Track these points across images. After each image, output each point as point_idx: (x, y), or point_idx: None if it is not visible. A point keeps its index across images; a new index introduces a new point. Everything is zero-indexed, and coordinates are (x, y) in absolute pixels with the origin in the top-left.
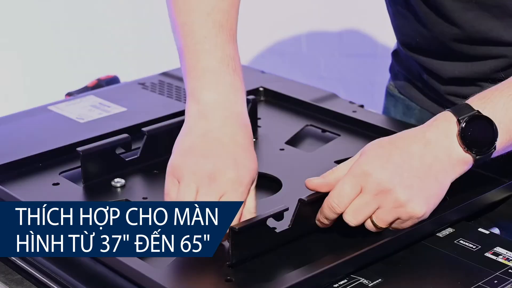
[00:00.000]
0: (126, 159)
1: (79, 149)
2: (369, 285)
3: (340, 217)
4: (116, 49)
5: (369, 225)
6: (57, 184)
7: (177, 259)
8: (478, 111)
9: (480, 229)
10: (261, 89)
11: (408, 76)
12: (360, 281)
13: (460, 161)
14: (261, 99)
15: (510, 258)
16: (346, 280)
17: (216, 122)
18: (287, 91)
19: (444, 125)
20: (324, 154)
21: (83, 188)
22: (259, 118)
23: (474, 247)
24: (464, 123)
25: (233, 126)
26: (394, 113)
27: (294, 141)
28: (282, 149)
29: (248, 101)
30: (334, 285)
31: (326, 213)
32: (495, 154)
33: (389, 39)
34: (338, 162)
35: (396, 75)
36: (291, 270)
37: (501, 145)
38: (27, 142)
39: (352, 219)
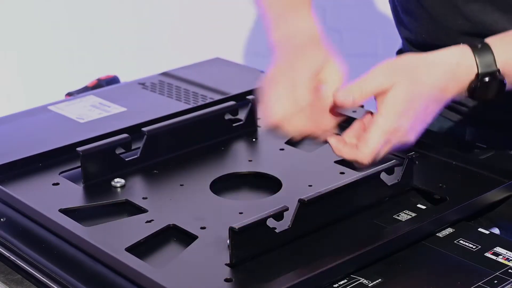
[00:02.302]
0: (126, 159)
1: (79, 149)
2: (369, 285)
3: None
4: (116, 49)
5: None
6: (57, 184)
7: (177, 259)
8: (498, 69)
9: (480, 229)
10: None
11: None
12: (360, 281)
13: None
14: None
15: (510, 258)
16: (346, 280)
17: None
18: None
19: (464, 77)
20: (324, 154)
21: (83, 188)
22: (259, 118)
23: (474, 247)
24: (479, 82)
25: (316, 42)
26: None
27: (294, 141)
28: (282, 149)
29: (248, 101)
30: (334, 285)
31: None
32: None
33: (390, 39)
34: (338, 162)
35: None
36: (291, 270)
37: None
38: (27, 142)
39: (369, 160)
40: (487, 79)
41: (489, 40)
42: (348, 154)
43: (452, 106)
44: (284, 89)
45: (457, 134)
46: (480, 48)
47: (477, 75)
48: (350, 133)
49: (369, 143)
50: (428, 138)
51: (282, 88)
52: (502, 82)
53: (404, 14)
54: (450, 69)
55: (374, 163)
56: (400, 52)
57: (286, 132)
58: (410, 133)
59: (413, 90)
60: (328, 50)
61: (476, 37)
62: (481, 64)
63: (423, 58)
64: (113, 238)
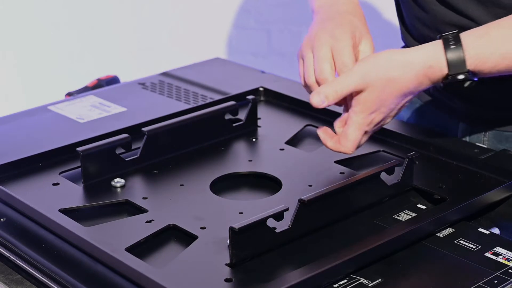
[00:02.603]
0: (126, 159)
1: (79, 149)
2: (369, 285)
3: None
4: (116, 49)
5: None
6: (57, 184)
7: (177, 259)
8: (468, 71)
9: (480, 229)
10: (261, 89)
11: None
12: (360, 281)
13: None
14: (261, 99)
15: (510, 258)
16: (346, 280)
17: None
18: (287, 91)
19: (437, 77)
20: (324, 154)
21: (83, 188)
22: (259, 118)
23: (474, 247)
24: (450, 79)
25: (354, 12)
26: None
27: (294, 141)
28: (282, 149)
29: (248, 101)
30: (334, 285)
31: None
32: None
33: (390, 39)
34: (338, 162)
35: None
36: (291, 270)
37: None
38: (27, 142)
39: (353, 150)
40: (458, 77)
41: (462, 36)
42: (333, 147)
43: (445, 102)
44: (329, 52)
45: (449, 130)
46: (452, 47)
47: (447, 75)
48: (338, 123)
49: (348, 137)
50: (428, 137)
51: (327, 50)
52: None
53: (403, 7)
54: (423, 72)
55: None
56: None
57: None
58: (385, 121)
59: (385, 90)
60: (364, 22)
61: (463, 30)
62: (452, 65)
63: (398, 59)
64: (113, 238)
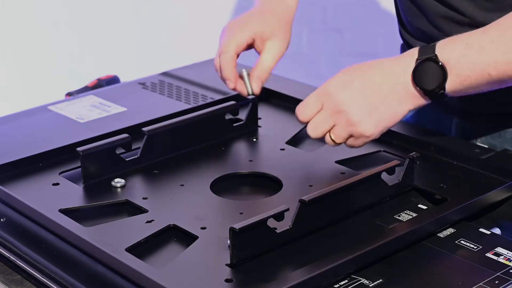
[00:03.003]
0: (126, 159)
1: (79, 149)
2: (370, 285)
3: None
4: (116, 48)
5: (328, 139)
6: (57, 184)
7: (177, 259)
8: (436, 54)
9: (481, 229)
10: None
11: None
12: (361, 281)
13: (415, 95)
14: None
15: (511, 259)
16: (346, 281)
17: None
18: (288, 91)
19: (407, 61)
20: (325, 154)
21: (83, 188)
22: (259, 118)
23: (475, 247)
24: (419, 63)
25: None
26: None
27: (294, 141)
28: (283, 149)
29: (248, 101)
30: (335, 286)
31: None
32: (450, 95)
33: (391, 38)
34: (339, 162)
35: None
36: (292, 271)
37: (451, 88)
38: (27, 142)
39: (312, 132)
40: (422, 58)
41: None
42: (296, 109)
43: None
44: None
45: (443, 125)
46: (421, 67)
47: (424, 91)
48: None
49: (303, 100)
50: (429, 137)
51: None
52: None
53: (400, 2)
54: (396, 57)
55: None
56: (402, 46)
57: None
58: (348, 106)
59: (355, 67)
60: (285, 24)
61: (453, 23)
62: (422, 49)
63: (376, 63)
64: (113, 238)
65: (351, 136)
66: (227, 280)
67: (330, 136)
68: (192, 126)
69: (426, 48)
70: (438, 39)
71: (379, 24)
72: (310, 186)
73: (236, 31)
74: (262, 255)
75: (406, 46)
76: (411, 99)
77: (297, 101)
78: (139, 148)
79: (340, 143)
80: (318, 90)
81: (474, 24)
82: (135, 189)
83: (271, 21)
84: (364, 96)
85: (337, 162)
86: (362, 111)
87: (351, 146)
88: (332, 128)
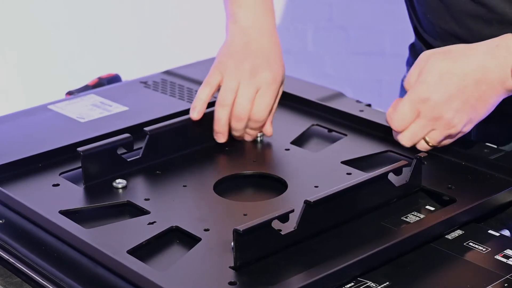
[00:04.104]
0: (128, 160)
1: (79, 149)
2: None
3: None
4: (117, 47)
5: (422, 145)
6: (57, 185)
7: (180, 262)
8: None
9: (490, 231)
10: None
11: None
12: (367, 284)
13: None
14: None
15: None
16: (353, 283)
17: (253, 35)
18: (293, 90)
19: (502, 54)
20: (331, 154)
21: (84, 189)
22: None
23: (483, 249)
24: None
25: (266, 38)
26: None
27: (299, 141)
28: (288, 149)
29: None
30: None
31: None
32: None
33: (398, 37)
34: (345, 162)
35: None
36: (297, 273)
37: None
38: (27, 142)
39: (408, 141)
40: None
41: None
42: (387, 117)
43: None
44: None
45: None
46: None
47: None
48: None
49: (397, 109)
50: None
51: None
52: None
53: None
54: (489, 50)
55: (412, 146)
56: (412, 46)
57: None
58: (446, 107)
59: (446, 65)
60: (275, 51)
61: (479, 19)
62: None
63: (461, 45)
64: (115, 240)
65: (448, 136)
66: (230, 283)
67: (425, 140)
68: (195, 125)
69: None
70: (463, 38)
71: (386, 21)
72: (316, 187)
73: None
74: (267, 257)
75: (420, 46)
76: (507, 92)
77: (303, 100)
78: (141, 148)
79: (435, 146)
80: (411, 96)
81: (504, 22)
82: (136, 190)
83: (269, 65)
84: (462, 97)
85: (343, 162)
86: (461, 113)
87: (444, 145)
88: (428, 132)
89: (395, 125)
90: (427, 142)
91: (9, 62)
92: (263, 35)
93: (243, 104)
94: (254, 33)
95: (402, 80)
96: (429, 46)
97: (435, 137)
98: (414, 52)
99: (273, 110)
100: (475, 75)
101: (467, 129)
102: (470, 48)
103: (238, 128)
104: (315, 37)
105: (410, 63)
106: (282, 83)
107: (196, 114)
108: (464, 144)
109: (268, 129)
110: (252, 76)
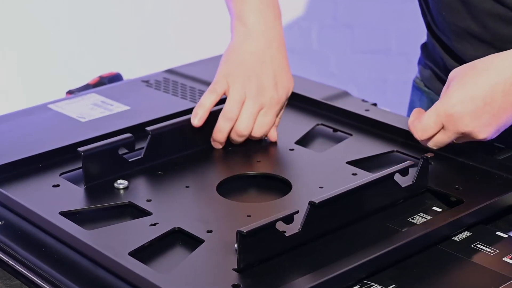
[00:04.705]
0: (130, 160)
1: (80, 149)
2: None
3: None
4: (119, 45)
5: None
6: (58, 185)
7: (182, 264)
8: None
9: (498, 233)
10: None
11: (434, 68)
12: (373, 286)
13: None
14: None
15: None
16: (358, 286)
17: (261, 44)
18: (297, 89)
19: None
20: (336, 154)
21: (85, 190)
22: None
23: (491, 251)
24: None
25: (274, 48)
26: (419, 106)
27: (304, 141)
28: (292, 149)
29: None
30: None
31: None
32: None
33: (405, 34)
34: (350, 163)
35: (423, 68)
36: (301, 276)
37: None
38: (26, 142)
39: (431, 146)
40: None
41: None
42: (410, 125)
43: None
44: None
45: None
46: None
47: None
48: None
49: (422, 120)
50: None
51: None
52: None
53: None
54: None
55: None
56: (424, 45)
57: None
58: (472, 123)
59: (472, 78)
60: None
61: (497, 17)
62: None
63: (484, 58)
64: (116, 242)
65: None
66: (234, 286)
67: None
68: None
69: None
70: (479, 37)
71: (392, 19)
72: (321, 187)
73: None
74: (271, 259)
75: (433, 45)
76: None
77: (307, 99)
78: (142, 148)
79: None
80: (437, 109)
81: None
82: (138, 191)
83: (275, 84)
84: (488, 112)
85: (348, 162)
86: (487, 127)
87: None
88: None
89: (418, 134)
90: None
91: (9, 61)
92: (272, 45)
93: (246, 123)
94: (264, 41)
95: (414, 81)
96: (443, 45)
97: (458, 142)
98: (427, 52)
99: (279, 118)
100: (500, 87)
101: (494, 136)
102: (496, 57)
103: (237, 141)
104: (320, 36)
105: (422, 62)
106: (287, 97)
107: (197, 121)
108: (471, 144)
109: (272, 134)
110: (258, 94)
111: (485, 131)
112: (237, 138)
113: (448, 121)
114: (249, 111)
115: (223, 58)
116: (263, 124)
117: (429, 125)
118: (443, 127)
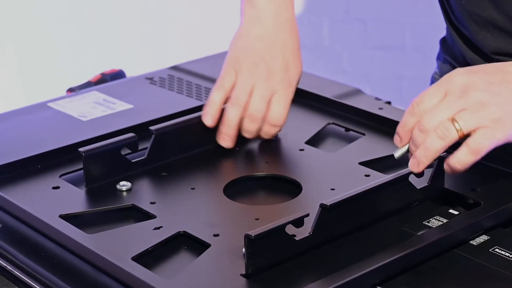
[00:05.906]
0: (133, 161)
1: (81, 149)
2: None
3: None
4: (121, 40)
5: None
6: (57, 187)
7: (188, 269)
8: None
9: None
10: None
11: (453, 63)
12: None
13: None
14: None
15: None
16: None
17: (270, 28)
18: (308, 87)
19: None
20: (348, 154)
21: (86, 192)
22: None
23: (510, 256)
24: None
25: (285, 32)
26: None
27: (315, 141)
28: (302, 150)
29: None
30: None
31: (405, 119)
32: None
33: (419, 30)
34: (363, 163)
35: (442, 64)
36: (312, 281)
37: None
38: (25, 142)
39: (430, 119)
40: None
41: None
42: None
43: None
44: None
45: None
46: None
47: None
48: None
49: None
50: None
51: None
52: None
53: None
54: None
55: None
56: (443, 40)
57: None
58: (483, 90)
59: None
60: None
61: None
62: None
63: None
64: (118, 246)
65: (478, 128)
66: None
67: (455, 127)
68: (204, 124)
69: None
70: (501, 26)
71: (406, 13)
72: (332, 189)
73: (252, 81)
74: (280, 264)
75: (452, 39)
76: None
77: (318, 97)
78: (146, 148)
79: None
80: (436, 83)
81: None
82: (142, 193)
83: (285, 67)
84: (496, 82)
85: (361, 163)
86: (495, 95)
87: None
88: (456, 113)
89: (415, 101)
90: (456, 129)
91: (8, 57)
92: (282, 29)
93: (258, 105)
94: (273, 24)
95: (432, 77)
96: (463, 37)
97: (465, 118)
98: (446, 47)
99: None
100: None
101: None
102: (502, 67)
103: (251, 130)
104: (332, 31)
105: (441, 58)
106: (298, 83)
107: (210, 120)
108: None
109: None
110: (268, 79)
111: (489, 96)
112: (250, 124)
113: (450, 82)
114: (260, 93)
115: (231, 44)
116: (279, 108)
117: (429, 91)
118: (445, 95)
